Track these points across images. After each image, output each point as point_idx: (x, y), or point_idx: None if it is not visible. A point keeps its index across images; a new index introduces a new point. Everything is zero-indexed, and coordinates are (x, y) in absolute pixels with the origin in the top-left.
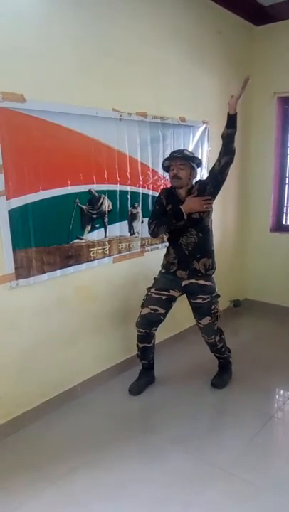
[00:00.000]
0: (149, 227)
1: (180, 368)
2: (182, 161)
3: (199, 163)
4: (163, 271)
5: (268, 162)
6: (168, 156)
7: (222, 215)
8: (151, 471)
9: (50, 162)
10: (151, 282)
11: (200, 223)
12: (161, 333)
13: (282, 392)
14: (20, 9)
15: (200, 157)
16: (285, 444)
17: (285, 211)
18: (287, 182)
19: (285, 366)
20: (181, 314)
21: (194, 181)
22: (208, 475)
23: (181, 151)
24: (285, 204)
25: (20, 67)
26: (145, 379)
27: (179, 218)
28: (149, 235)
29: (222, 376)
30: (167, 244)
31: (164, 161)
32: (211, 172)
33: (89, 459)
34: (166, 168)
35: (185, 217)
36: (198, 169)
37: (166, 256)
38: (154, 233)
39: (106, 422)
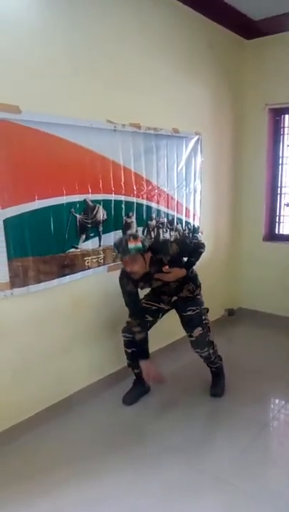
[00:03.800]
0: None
1: (174, 377)
2: (130, 256)
3: (145, 245)
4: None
5: (260, 172)
6: (116, 244)
7: (215, 225)
8: (145, 480)
9: (45, 172)
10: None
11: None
12: (155, 343)
13: (276, 401)
14: (16, 21)
15: (193, 168)
16: (280, 453)
17: (277, 220)
18: (279, 192)
19: (279, 375)
20: (173, 324)
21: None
22: (202, 484)
23: (125, 250)
24: (278, 213)
25: (15, 79)
26: (139, 389)
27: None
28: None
29: (219, 384)
30: None
31: (114, 250)
32: (181, 254)
33: (82, 469)
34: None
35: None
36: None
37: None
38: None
39: (100, 432)
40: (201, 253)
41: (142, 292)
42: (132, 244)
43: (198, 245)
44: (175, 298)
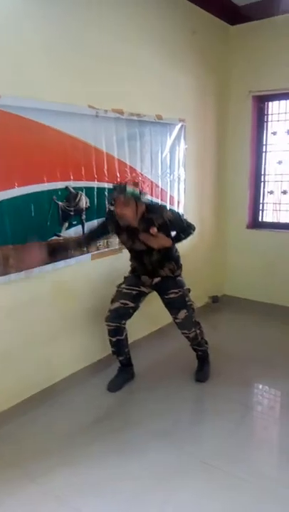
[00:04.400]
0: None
1: (160, 363)
2: (124, 199)
3: (143, 194)
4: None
5: (243, 159)
6: (115, 185)
7: (199, 213)
8: (131, 465)
9: (25, 158)
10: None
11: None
12: (141, 330)
13: (260, 385)
14: None
15: (177, 155)
16: (264, 435)
17: (261, 208)
18: (262, 179)
19: (263, 360)
20: (159, 310)
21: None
22: (188, 467)
23: (122, 188)
24: (261, 201)
25: None
26: (124, 376)
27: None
28: None
29: (204, 369)
30: None
31: (109, 196)
32: (172, 226)
33: (69, 455)
34: (112, 200)
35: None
36: (145, 196)
37: (131, 263)
38: (82, 242)
39: (85, 419)
40: (190, 233)
41: (121, 273)
42: (130, 188)
43: (190, 225)
44: (156, 280)
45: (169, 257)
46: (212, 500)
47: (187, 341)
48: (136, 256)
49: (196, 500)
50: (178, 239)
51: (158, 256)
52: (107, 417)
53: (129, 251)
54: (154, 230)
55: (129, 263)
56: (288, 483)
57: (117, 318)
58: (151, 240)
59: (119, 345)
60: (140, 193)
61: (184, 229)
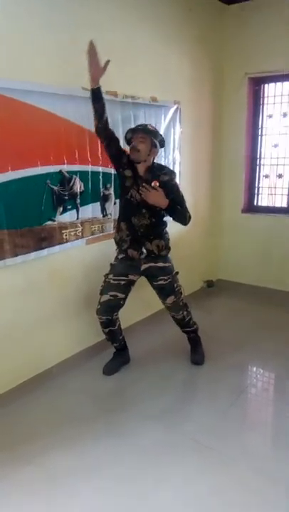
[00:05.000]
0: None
1: (154, 347)
2: (143, 134)
3: (162, 141)
4: (120, 256)
5: (239, 143)
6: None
7: (194, 197)
8: (125, 446)
9: (18, 142)
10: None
11: (155, 208)
12: (135, 314)
13: (254, 368)
14: None
15: (172, 138)
16: (256, 417)
17: (256, 192)
18: (258, 163)
19: (257, 344)
20: (153, 295)
21: (156, 162)
22: (181, 447)
23: (144, 125)
24: (256, 185)
25: None
26: (119, 359)
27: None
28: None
29: (198, 351)
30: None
31: (126, 133)
32: (173, 194)
33: (64, 437)
34: (128, 141)
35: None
36: (160, 149)
37: (118, 232)
38: (107, 121)
39: (81, 401)
40: (185, 215)
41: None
42: (151, 127)
43: (187, 211)
44: (145, 266)
45: (159, 230)
46: (205, 479)
47: (176, 324)
48: (126, 213)
49: (188, 480)
50: (173, 209)
51: (148, 221)
52: (103, 400)
53: (123, 206)
54: (156, 182)
55: (117, 237)
56: (279, 461)
57: (108, 311)
58: (149, 195)
59: (113, 335)
60: (157, 134)
61: (182, 204)
